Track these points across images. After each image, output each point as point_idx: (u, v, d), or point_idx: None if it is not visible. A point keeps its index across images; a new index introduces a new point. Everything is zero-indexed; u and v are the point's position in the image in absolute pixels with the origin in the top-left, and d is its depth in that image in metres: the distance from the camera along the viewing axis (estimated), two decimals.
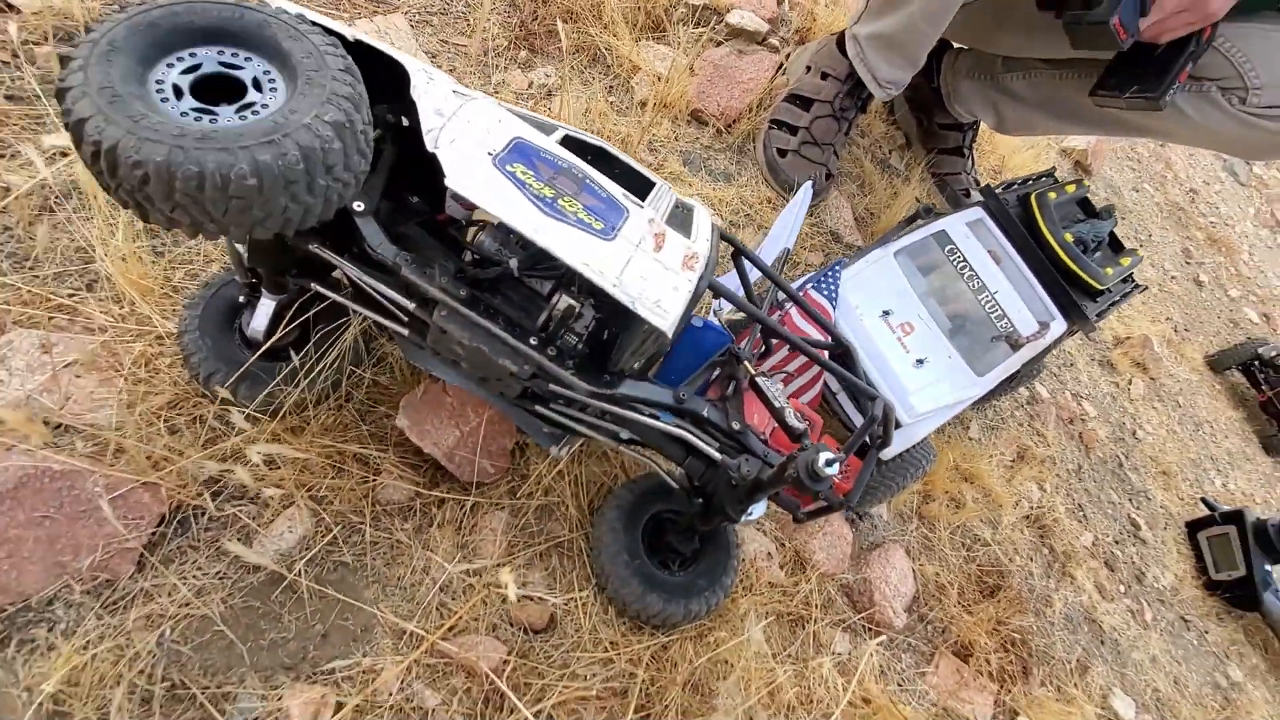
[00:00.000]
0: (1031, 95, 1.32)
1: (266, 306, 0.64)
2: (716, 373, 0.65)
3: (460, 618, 0.67)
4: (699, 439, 0.59)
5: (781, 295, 0.80)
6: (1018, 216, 0.99)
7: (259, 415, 0.66)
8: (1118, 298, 1.05)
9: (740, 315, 0.78)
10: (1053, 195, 1.02)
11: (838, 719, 0.74)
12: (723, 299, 0.63)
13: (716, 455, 0.59)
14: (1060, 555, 1.16)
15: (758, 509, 0.65)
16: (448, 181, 0.49)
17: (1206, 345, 2.04)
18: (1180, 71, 0.99)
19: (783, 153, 1.29)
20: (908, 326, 0.94)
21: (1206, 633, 1.27)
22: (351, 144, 0.46)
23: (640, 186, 0.65)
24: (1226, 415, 1.84)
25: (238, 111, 0.45)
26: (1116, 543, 1.27)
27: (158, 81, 0.44)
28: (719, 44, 1.43)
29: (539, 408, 0.62)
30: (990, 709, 0.88)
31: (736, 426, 0.60)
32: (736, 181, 1.28)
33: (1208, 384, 1.89)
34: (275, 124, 0.43)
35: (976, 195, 1.54)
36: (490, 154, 0.52)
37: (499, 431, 0.70)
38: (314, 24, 0.51)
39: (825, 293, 0.84)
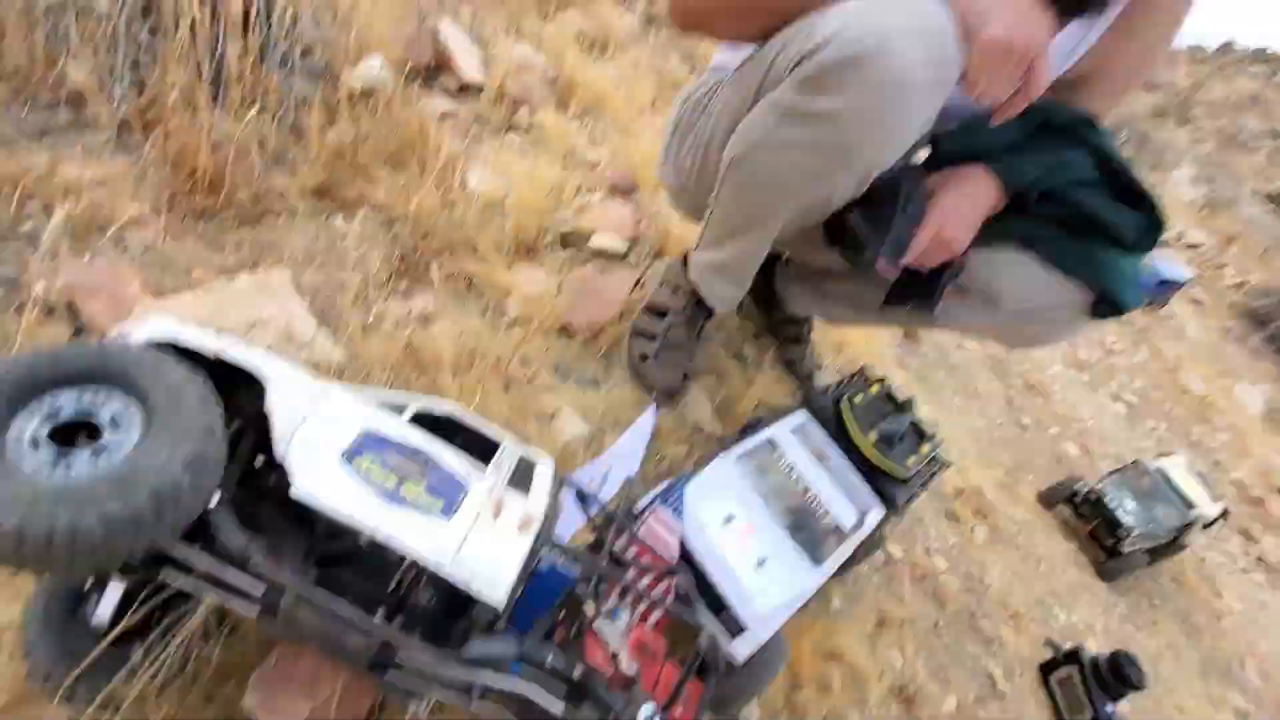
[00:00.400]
0: (846, 299, 1.58)
1: (114, 592, 0.65)
2: (563, 613, 0.71)
3: None
4: (542, 693, 0.63)
5: (643, 505, 0.89)
6: (832, 420, 1.17)
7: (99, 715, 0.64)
8: (926, 479, 1.23)
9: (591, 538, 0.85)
10: (858, 398, 1.21)
11: None
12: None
13: (558, 711, 0.63)
14: None
15: None
16: (293, 491, 0.55)
17: (1037, 483, 2.32)
18: (944, 289, 1.25)
19: (644, 357, 1.45)
20: (749, 528, 1.04)
21: None
22: (204, 472, 0.52)
23: (487, 449, 0.74)
24: (1063, 548, 2.06)
25: (94, 454, 0.50)
26: (978, 701, 1.36)
27: (14, 437, 0.49)
28: (585, 263, 1.64)
29: (392, 672, 0.65)
30: None
31: (578, 673, 0.65)
32: (604, 386, 1.42)
33: (1042, 521, 2.14)
34: (128, 469, 0.48)
35: (814, 384, 1.77)
36: (340, 451, 0.60)
37: (356, 693, 0.71)
38: (174, 347, 0.58)
39: (673, 506, 0.94)
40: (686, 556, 0.98)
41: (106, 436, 0.51)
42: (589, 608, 0.70)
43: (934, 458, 1.24)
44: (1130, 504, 2.08)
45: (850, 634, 1.26)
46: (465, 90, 2.00)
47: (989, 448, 2.31)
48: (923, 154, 1.32)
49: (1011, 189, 1.14)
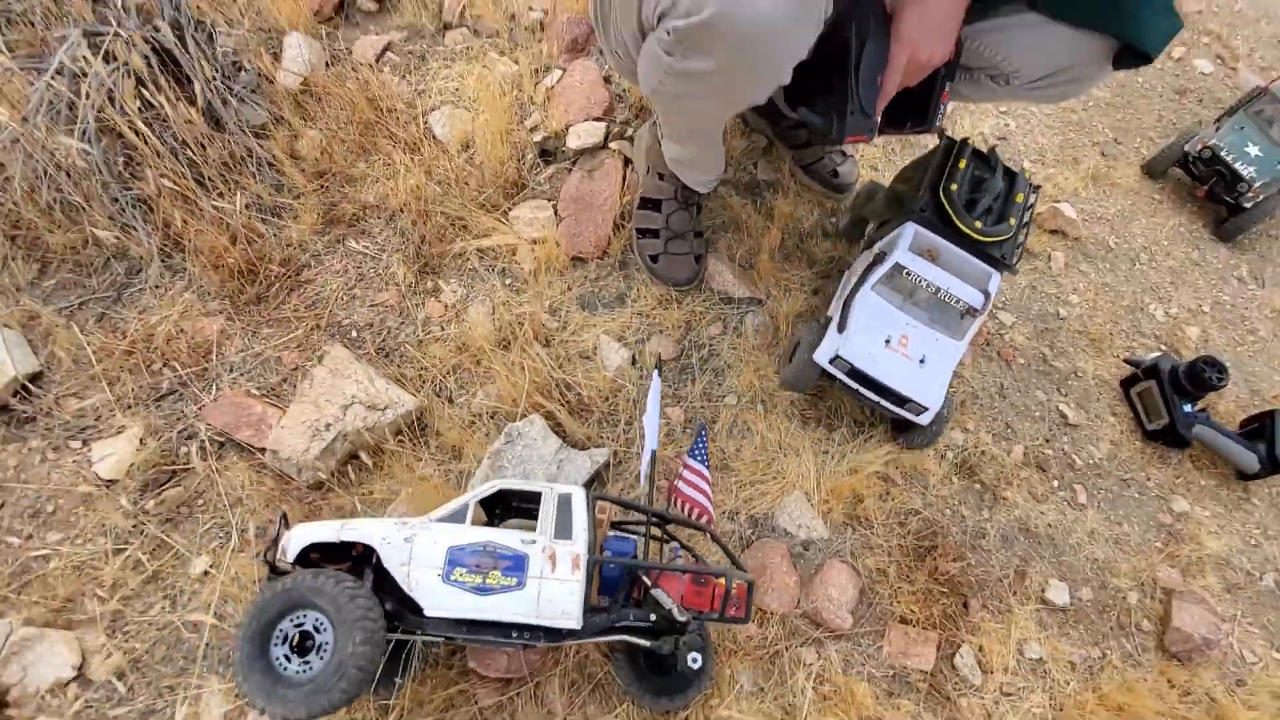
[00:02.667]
0: None
1: None
2: (633, 585, 1.00)
3: None
4: (629, 637, 0.96)
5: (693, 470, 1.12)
6: (937, 216, 1.24)
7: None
8: (1026, 221, 1.28)
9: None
10: (954, 186, 1.24)
11: (807, 706, 1.13)
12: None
13: (646, 642, 0.96)
14: (990, 484, 1.42)
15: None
16: (427, 612, 0.85)
17: (1144, 149, 2.06)
18: (940, 96, 1.13)
19: (655, 258, 1.52)
20: (904, 339, 1.27)
21: (1148, 480, 1.50)
22: (375, 638, 0.81)
23: (531, 502, 0.98)
24: (1170, 225, 1.91)
25: (318, 654, 0.82)
26: (1046, 441, 1.50)
27: (275, 655, 0.82)
28: (570, 169, 1.63)
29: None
30: (933, 654, 1.22)
31: (653, 617, 0.96)
32: (629, 298, 1.53)
33: (1146, 198, 1.95)
34: (338, 659, 0.80)
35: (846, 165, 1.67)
36: (439, 574, 0.87)
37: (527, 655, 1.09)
38: (323, 572, 0.85)
39: (699, 458, 1.13)
40: (864, 378, 1.25)
41: (318, 639, 0.82)
42: (645, 581, 0.98)
43: (1028, 192, 1.28)
44: (1253, 149, 1.79)
45: None
46: (387, 2, 1.84)
47: (1079, 130, 2.05)
48: None
49: None
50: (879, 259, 1.30)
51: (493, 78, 1.71)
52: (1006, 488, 1.43)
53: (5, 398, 1.33)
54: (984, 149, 1.31)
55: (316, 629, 0.83)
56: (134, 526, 1.26)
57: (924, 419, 1.28)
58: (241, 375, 1.41)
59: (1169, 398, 1.48)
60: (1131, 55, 1.02)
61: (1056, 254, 1.77)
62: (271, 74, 1.65)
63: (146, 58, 1.45)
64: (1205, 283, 1.83)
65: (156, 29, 1.53)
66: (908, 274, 1.26)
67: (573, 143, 1.63)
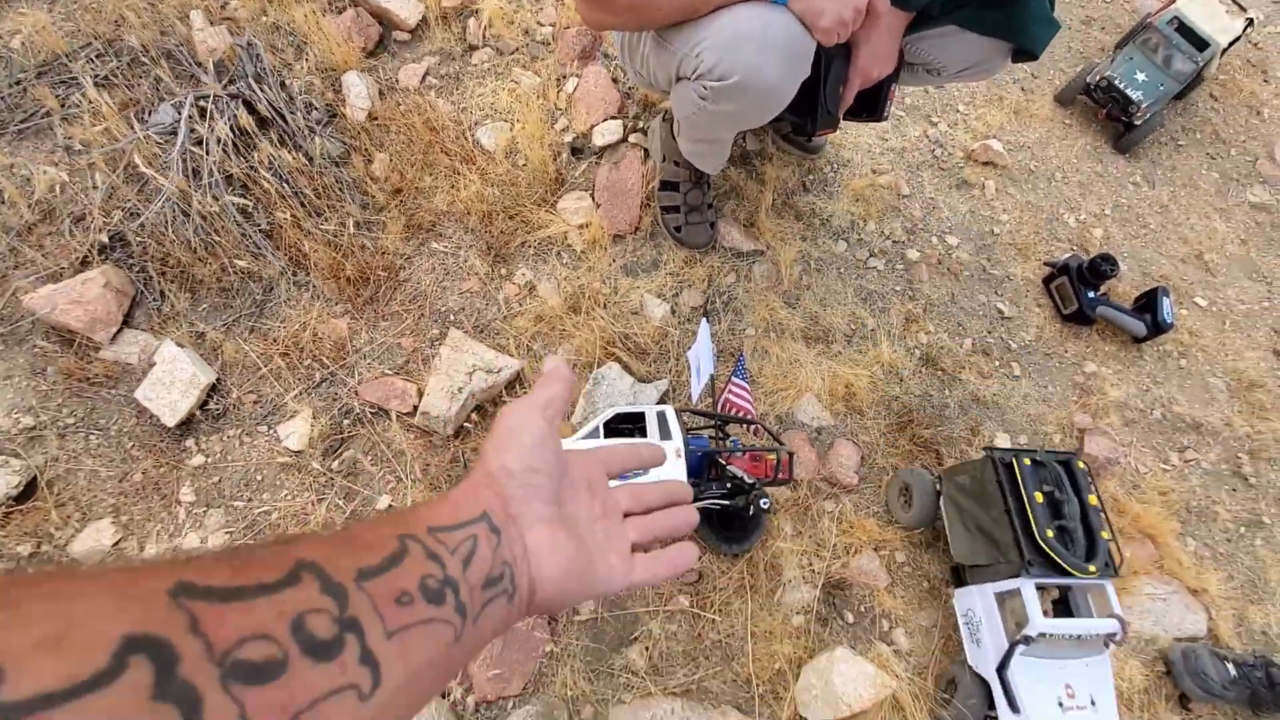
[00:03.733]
0: None
1: None
2: (711, 465, 1.46)
3: None
4: (714, 501, 1.42)
5: (734, 395, 1.56)
6: (1049, 567, 1.33)
7: None
8: (1100, 512, 1.39)
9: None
10: (1049, 533, 1.33)
11: (834, 540, 1.62)
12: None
13: (727, 503, 1.42)
14: (949, 370, 1.90)
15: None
16: None
17: (1057, 80, 2.46)
18: (888, 94, 1.52)
19: (678, 228, 1.92)
20: (1069, 690, 1.30)
21: (1066, 352, 1.99)
22: None
23: (628, 423, 1.42)
24: (1078, 145, 2.34)
25: None
26: (989, 332, 1.98)
27: None
28: (599, 163, 2.00)
29: None
30: None
31: (729, 485, 1.42)
32: (661, 263, 1.95)
33: (1058, 125, 2.38)
34: None
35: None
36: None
37: None
38: None
39: (740, 376, 1.57)
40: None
41: None
42: (718, 460, 1.44)
43: (1090, 485, 1.43)
44: (1140, 75, 2.21)
45: (883, 347, 1.90)
46: (418, 30, 2.15)
47: (1001, 77, 2.44)
48: None
49: (915, 7, 1.33)
50: (1023, 639, 1.32)
51: (521, 90, 2.05)
52: (961, 371, 1.91)
53: (202, 399, 1.72)
54: (1031, 452, 1.43)
55: None
56: (326, 481, 1.69)
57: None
58: (374, 360, 1.82)
59: (1077, 288, 1.95)
60: (1023, 53, 1.43)
61: (989, 183, 2.20)
62: (340, 110, 1.98)
63: (241, 111, 1.79)
64: (1107, 190, 2.28)
65: (249, 86, 1.85)
66: (1043, 635, 1.30)
67: (598, 140, 2.00)
